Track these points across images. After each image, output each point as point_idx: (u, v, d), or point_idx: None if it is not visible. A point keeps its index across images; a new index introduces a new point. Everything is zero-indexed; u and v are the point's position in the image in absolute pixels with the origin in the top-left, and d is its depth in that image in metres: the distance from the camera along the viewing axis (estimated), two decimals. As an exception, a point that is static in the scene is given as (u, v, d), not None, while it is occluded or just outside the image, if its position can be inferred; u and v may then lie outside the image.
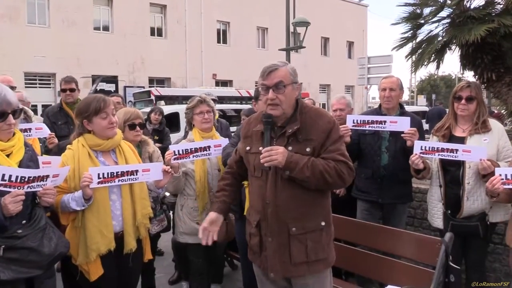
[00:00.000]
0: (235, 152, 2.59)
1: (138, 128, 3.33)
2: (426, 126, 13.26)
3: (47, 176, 2.21)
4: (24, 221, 2.17)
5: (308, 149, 2.19)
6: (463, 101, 3.06)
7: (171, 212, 3.75)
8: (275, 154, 2.11)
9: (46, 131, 3.73)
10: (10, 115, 2.15)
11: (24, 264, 2.10)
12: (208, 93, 3.83)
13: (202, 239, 2.37)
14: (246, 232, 2.45)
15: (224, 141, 3.26)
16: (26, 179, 2.11)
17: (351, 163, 2.25)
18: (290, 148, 2.19)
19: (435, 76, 50.12)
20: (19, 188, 2.09)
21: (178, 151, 2.93)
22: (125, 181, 2.59)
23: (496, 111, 11.10)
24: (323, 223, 2.26)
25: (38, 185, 2.18)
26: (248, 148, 2.35)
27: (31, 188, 2.16)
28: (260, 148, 2.20)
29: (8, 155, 2.18)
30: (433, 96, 45.59)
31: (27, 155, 2.26)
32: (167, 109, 12.14)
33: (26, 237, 2.13)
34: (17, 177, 2.08)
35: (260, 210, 2.28)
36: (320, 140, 2.21)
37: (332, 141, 2.22)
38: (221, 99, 17.33)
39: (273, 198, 2.22)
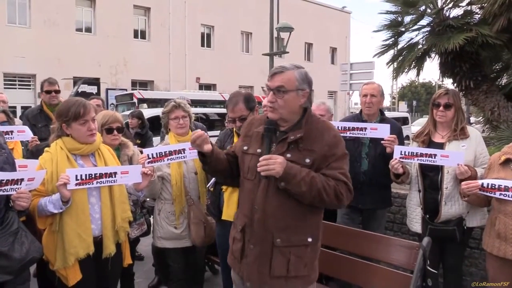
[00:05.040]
0: (230, 147, 2.49)
1: (115, 132, 3.29)
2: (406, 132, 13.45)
3: (22, 180, 2.16)
4: (-4, 225, 2.12)
5: (307, 160, 2.09)
6: (441, 108, 3.12)
7: (151, 216, 3.71)
8: (273, 163, 2.00)
9: (28, 134, 3.66)
10: None
11: None
12: (181, 96, 3.80)
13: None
14: (230, 236, 2.36)
15: None
16: None
17: (351, 185, 2.15)
18: (288, 155, 2.09)
19: (416, 83, 51.04)
20: None
21: (152, 154, 2.90)
22: (104, 183, 2.55)
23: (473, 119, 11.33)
24: (310, 239, 2.15)
25: (11, 188, 2.13)
26: (245, 148, 2.26)
27: (3, 192, 2.10)
28: (259, 151, 2.15)
29: (-19, 158, 2.13)
30: (414, 103, 46.37)
31: (2, 158, 2.21)
32: (150, 112, 12.03)
33: None
34: None
35: (247, 215, 2.19)
36: (322, 153, 2.10)
37: (336, 158, 2.12)
38: (204, 103, 17.31)
39: (262, 205, 2.12)
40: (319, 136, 2.13)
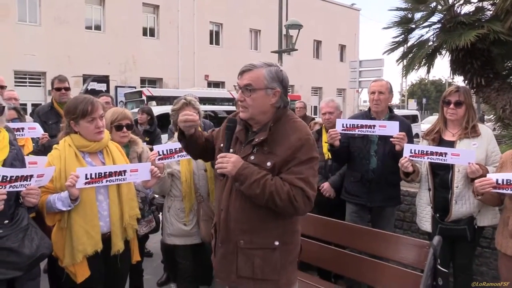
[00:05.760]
0: (211, 131, 2.49)
1: (125, 129, 3.29)
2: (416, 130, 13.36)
3: (31, 176, 2.17)
4: (6, 221, 2.13)
5: (268, 163, 2.03)
6: (452, 106, 3.08)
7: (160, 213, 3.72)
8: (227, 162, 2.00)
9: (39, 131, 3.69)
10: None
11: (3, 265, 2.06)
12: (189, 94, 3.80)
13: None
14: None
15: None
16: (8, 179, 2.07)
17: (311, 192, 2.02)
18: (252, 157, 2.06)
19: (426, 81, 50.65)
20: (0, 187, 2.05)
21: (163, 151, 2.90)
22: (113, 181, 2.55)
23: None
24: (276, 243, 2.09)
25: (21, 184, 2.14)
26: (222, 145, 2.21)
27: (13, 188, 2.11)
28: (231, 150, 2.14)
29: (-9, 154, 2.14)
30: (424, 100, 46.02)
31: (11, 154, 2.22)
32: (159, 109, 12.09)
33: (6, 238, 2.09)
34: None
35: (217, 214, 2.21)
36: (284, 157, 2.02)
37: (298, 162, 2.01)
38: (212, 101, 17.33)
39: (226, 205, 2.13)
40: (285, 139, 2.05)
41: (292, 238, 2.19)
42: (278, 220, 2.10)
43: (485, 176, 2.73)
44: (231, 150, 2.14)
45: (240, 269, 2.11)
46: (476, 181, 2.69)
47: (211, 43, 26.98)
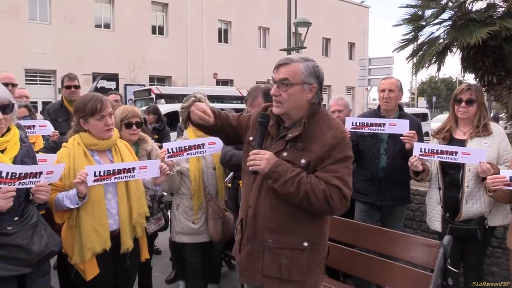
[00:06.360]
0: (239, 116, 2.35)
1: (134, 127, 3.30)
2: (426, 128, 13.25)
3: (41, 173, 2.18)
4: (16, 218, 2.14)
5: (302, 160, 1.97)
6: (463, 104, 3.04)
7: (169, 211, 3.73)
8: (260, 159, 1.94)
9: (50, 129, 3.73)
10: None
11: (13, 262, 2.07)
12: (198, 92, 3.79)
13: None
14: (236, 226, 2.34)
15: (219, 139, 3.24)
16: (17, 176, 2.08)
17: (347, 191, 1.97)
18: (285, 154, 2.00)
19: (436, 78, 50.19)
20: (10, 184, 2.05)
21: (172, 149, 2.91)
22: (122, 178, 2.55)
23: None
24: (305, 244, 2.03)
25: (30, 181, 2.15)
26: (251, 138, 2.15)
27: (23, 185, 2.12)
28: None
29: (2, 151, 2.15)
30: (434, 99, 45.65)
31: (22, 151, 2.23)
32: (168, 107, 12.14)
33: (15, 234, 2.10)
34: (7, 173, 2.05)
35: (244, 210, 2.15)
36: (319, 154, 1.96)
37: (334, 160, 1.96)
38: (221, 99, 17.35)
39: (254, 203, 2.07)
40: (320, 136, 1.99)
41: (321, 240, 2.14)
42: (309, 220, 2.05)
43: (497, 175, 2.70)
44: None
45: (265, 268, 2.06)
46: (488, 177, 2.65)
47: (219, 41, 27.00)
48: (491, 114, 16.02)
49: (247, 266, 2.13)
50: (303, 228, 2.05)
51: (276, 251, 2.04)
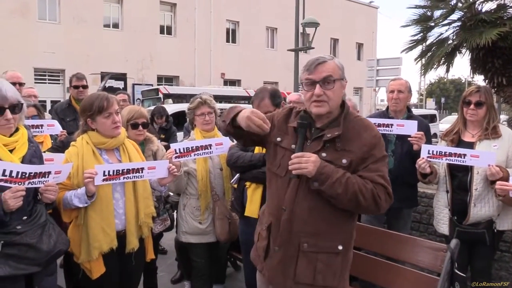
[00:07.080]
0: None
1: (141, 127, 3.31)
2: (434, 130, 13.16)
3: (49, 173, 2.20)
4: (25, 217, 2.16)
5: (344, 161, 1.93)
6: (472, 106, 3.01)
7: (174, 211, 3.74)
8: (306, 162, 1.86)
9: (58, 128, 3.74)
10: (7, 110, 2.12)
11: (22, 261, 2.09)
12: (205, 92, 3.80)
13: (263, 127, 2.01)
14: (256, 231, 2.25)
15: (226, 140, 3.24)
16: (27, 175, 2.10)
17: (390, 189, 1.97)
18: (324, 154, 1.93)
19: (445, 80, 49.87)
20: (19, 183, 2.07)
21: (179, 149, 2.91)
22: (131, 178, 2.56)
23: None
24: (340, 247, 1.99)
25: (39, 181, 2.17)
26: (279, 139, 2.08)
27: (32, 184, 2.14)
28: (293, 146, 2.00)
29: (11, 151, 2.17)
30: (442, 100, 45.35)
31: (30, 151, 2.25)
32: (175, 107, 12.18)
33: (25, 233, 2.12)
34: (17, 172, 2.07)
35: (274, 214, 2.05)
36: (360, 155, 1.94)
37: (375, 160, 1.95)
38: (229, 99, 17.38)
39: (290, 206, 1.98)
40: (358, 135, 1.97)
41: (351, 243, 2.11)
42: (345, 223, 2.03)
43: (506, 178, 2.66)
44: (292, 146, 2.02)
45: (298, 275, 1.99)
46: (498, 182, 2.63)
47: (227, 41, 27.04)
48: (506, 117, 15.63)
49: (276, 274, 2.05)
50: (339, 231, 2.02)
51: (311, 256, 1.98)
